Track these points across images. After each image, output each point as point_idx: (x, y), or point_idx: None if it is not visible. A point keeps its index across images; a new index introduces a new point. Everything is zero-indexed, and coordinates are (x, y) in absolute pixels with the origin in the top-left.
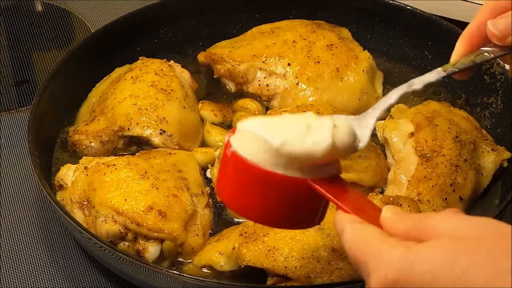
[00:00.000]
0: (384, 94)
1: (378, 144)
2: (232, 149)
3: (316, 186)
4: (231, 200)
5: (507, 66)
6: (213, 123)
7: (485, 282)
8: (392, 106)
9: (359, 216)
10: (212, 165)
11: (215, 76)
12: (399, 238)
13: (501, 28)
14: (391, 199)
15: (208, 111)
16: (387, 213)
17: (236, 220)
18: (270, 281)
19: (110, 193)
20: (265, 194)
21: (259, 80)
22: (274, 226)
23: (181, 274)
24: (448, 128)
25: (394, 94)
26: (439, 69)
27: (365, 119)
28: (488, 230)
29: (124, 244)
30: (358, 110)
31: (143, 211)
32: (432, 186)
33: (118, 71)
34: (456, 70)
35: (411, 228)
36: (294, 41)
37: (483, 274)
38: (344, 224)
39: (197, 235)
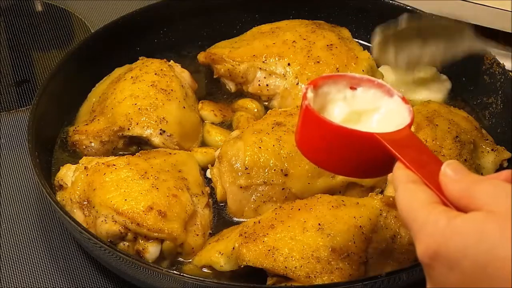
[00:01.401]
0: None
1: None
2: (306, 102)
3: (380, 139)
4: (301, 145)
5: (507, 66)
6: (213, 123)
7: (509, 259)
8: None
9: (419, 172)
10: (212, 165)
11: (215, 76)
12: (445, 207)
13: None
14: (391, 199)
15: (208, 111)
16: (447, 170)
17: (236, 220)
18: (270, 281)
19: (110, 193)
20: (333, 146)
21: (259, 80)
22: (340, 174)
23: (181, 274)
24: (448, 128)
25: None
26: None
27: None
28: None
29: (124, 244)
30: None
31: (143, 211)
32: None
33: (118, 71)
34: None
35: (462, 192)
36: (294, 41)
37: (507, 251)
38: (398, 184)
39: (197, 235)
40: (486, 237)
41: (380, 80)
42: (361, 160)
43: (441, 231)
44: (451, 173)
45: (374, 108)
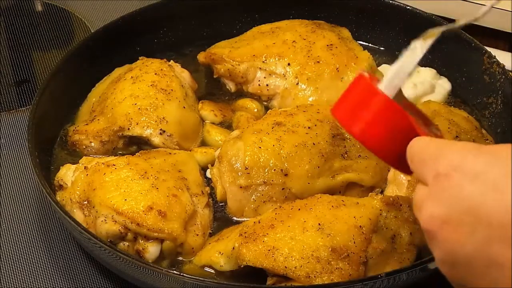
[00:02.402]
0: None
1: None
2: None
3: (411, 117)
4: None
5: (507, 66)
6: (213, 123)
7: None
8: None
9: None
10: (212, 165)
11: (215, 76)
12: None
13: None
14: (391, 199)
15: (208, 111)
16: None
17: (236, 220)
18: (270, 281)
19: (110, 193)
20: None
21: (259, 80)
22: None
23: (181, 274)
24: (448, 128)
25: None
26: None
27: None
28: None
29: (124, 244)
30: None
31: (143, 211)
32: None
33: (118, 71)
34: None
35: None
36: (294, 41)
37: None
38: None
39: (197, 235)
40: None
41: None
42: (388, 133)
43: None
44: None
45: None
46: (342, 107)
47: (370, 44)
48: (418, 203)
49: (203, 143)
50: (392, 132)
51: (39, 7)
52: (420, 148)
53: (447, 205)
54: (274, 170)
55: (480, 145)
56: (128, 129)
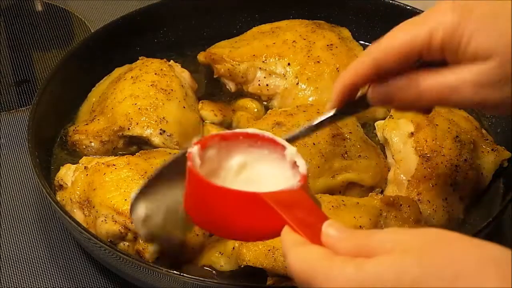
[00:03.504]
0: None
1: (378, 144)
2: (189, 163)
3: (266, 199)
4: (193, 215)
5: None
6: (213, 123)
7: None
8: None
9: (305, 234)
10: None
11: (215, 76)
12: (345, 257)
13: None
14: (391, 199)
15: (208, 111)
16: (330, 231)
17: None
18: (270, 281)
19: (110, 193)
20: (219, 209)
21: (259, 80)
22: (230, 238)
23: (181, 274)
24: (448, 128)
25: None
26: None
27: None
28: (431, 239)
29: (124, 244)
30: None
31: None
32: (432, 186)
33: (118, 71)
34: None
35: (360, 247)
36: (294, 41)
37: (430, 285)
38: (286, 250)
39: (197, 235)
40: (405, 274)
41: (269, 134)
42: (252, 223)
43: (352, 278)
44: (335, 232)
45: (270, 165)
46: (187, 203)
47: (370, 44)
48: None
49: None
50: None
51: (39, 7)
52: (298, 265)
53: None
54: None
55: (365, 266)
56: (128, 129)
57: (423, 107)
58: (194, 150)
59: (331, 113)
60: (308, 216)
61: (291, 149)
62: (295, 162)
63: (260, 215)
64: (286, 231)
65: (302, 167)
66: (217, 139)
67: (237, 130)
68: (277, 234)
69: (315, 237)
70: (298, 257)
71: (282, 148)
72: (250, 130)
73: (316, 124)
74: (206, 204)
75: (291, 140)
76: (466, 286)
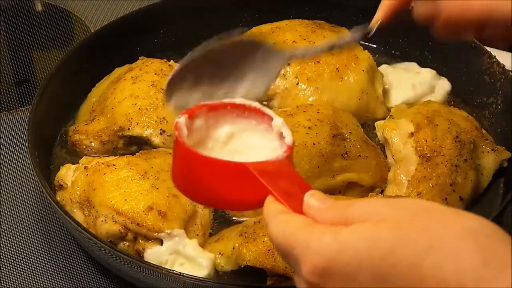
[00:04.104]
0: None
1: (378, 144)
2: (176, 133)
3: (251, 169)
4: (179, 186)
5: (507, 66)
6: None
7: (406, 265)
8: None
9: (288, 203)
10: None
11: None
12: (325, 225)
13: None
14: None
15: None
16: (311, 201)
17: (236, 219)
18: (270, 281)
19: (110, 193)
20: (204, 177)
21: None
22: (216, 207)
23: (181, 274)
24: (448, 128)
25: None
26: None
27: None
28: (408, 210)
29: (124, 244)
30: (358, 110)
31: (143, 211)
32: (432, 186)
33: (118, 71)
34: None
35: (339, 217)
36: (294, 41)
37: (403, 256)
38: (269, 219)
39: (197, 235)
40: (379, 243)
41: (256, 104)
42: (237, 193)
43: (328, 247)
44: (317, 202)
45: (258, 136)
46: (174, 173)
47: (370, 44)
48: None
49: None
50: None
51: (39, 7)
52: (278, 232)
53: None
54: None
55: (348, 231)
56: (128, 129)
57: (471, 22)
58: (181, 120)
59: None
60: (291, 186)
61: (277, 120)
62: (281, 133)
63: (245, 185)
64: (270, 201)
65: (288, 138)
66: (205, 109)
67: (225, 100)
68: (261, 204)
69: (297, 207)
70: (280, 225)
71: (269, 119)
72: (238, 100)
73: (348, 41)
74: (192, 174)
75: (318, 52)
76: (440, 258)
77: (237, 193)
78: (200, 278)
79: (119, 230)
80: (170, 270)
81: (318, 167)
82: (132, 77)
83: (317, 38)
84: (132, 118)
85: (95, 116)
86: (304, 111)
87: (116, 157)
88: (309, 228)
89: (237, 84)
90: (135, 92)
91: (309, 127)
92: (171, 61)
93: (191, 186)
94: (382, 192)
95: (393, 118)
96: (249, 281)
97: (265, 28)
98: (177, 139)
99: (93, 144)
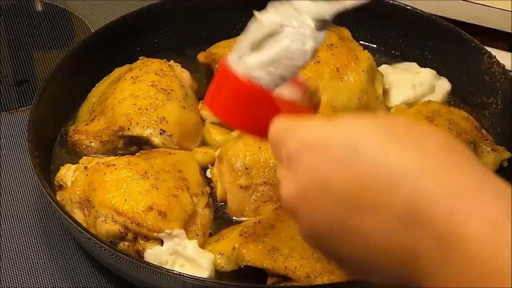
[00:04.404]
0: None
1: None
2: (225, 59)
3: (278, 104)
4: (219, 111)
5: (507, 66)
6: (213, 123)
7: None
8: None
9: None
10: (212, 165)
11: None
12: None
13: None
14: None
15: (208, 111)
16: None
17: (236, 220)
18: (270, 281)
19: (110, 193)
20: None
21: None
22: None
23: (181, 274)
24: (448, 128)
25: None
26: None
27: None
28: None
29: (124, 244)
30: (358, 110)
31: (143, 211)
32: None
33: (118, 71)
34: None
35: None
36: None
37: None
38: (270, 125)
39: (197, 235)
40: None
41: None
42: (261, 119)
43: (312, 126)
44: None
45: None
46: (210, 94)
47: (370, 44)
48: (278, 185)
49: (203, 143)
50: (246, 107)
51: (39, 7)
52: (273, 129)
53: (300, 182)
54: (275, 170)
55: (329, 120)
56: (128, 129)
57: None
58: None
59: None
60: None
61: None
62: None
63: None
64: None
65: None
66: None
67: None
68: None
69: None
70: (278, 121)
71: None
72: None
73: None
74: (234, 99)
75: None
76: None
77: (261, 119)
78: (200, 278)
79: (119, 230)
80: (170, 270)
81: None
82: (132, 77)
83: None
84: (132, 118)
85: (95, 116)
86: None
87: (116, 157)
88: (300, 119)
89: None
90: (135, 92)
91: None
92: (171, 61)
93: (228, 108)
94: None
95: None
96: (249, 281)
97: None
98: (225, 66)
99: (93, 144)
